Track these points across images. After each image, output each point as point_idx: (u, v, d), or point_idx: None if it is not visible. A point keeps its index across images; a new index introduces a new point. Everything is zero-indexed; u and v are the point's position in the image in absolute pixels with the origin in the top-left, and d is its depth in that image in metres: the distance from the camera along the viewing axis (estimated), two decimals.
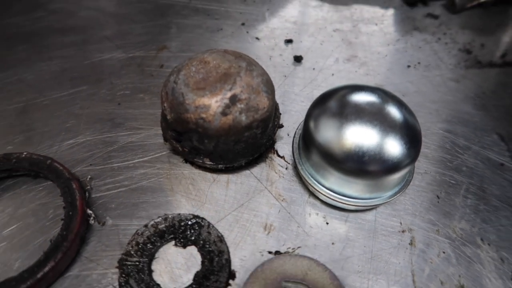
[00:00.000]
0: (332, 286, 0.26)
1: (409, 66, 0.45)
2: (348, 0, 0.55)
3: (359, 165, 0.26)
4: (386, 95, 0.28)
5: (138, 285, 0.26)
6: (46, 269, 0.25)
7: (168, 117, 0.30)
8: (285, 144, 0.36)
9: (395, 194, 0.29)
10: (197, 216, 0.30)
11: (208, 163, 0.31)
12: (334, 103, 0.28)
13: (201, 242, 0.28)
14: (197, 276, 0.27)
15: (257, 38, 0.48)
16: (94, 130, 0.36)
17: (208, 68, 0.29)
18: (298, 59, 0.45)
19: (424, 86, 0.43)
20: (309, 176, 0.30)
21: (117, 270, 0.27)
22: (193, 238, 0.29)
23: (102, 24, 0.49)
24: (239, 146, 0.30)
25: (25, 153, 0.31)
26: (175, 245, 0.28)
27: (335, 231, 0.30)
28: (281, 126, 0.35)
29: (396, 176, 0.27)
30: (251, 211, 0.31)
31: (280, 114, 0.35)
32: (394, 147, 0.26)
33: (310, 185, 0.30)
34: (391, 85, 0.42)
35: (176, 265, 0.27)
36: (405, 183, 0.30)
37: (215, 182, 0.32)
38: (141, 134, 0.36)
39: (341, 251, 0.29)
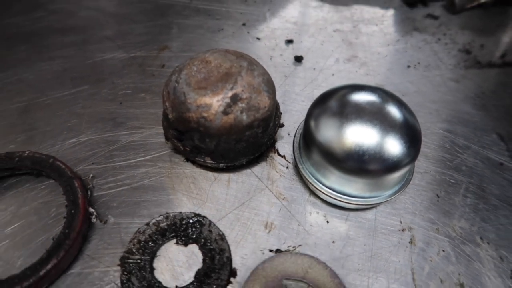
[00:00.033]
0: (332, 284, 0.26)
1: (409, 66, 0.45)
2: (348, 0, 0.55)
3: (359, 164, 0.26)
4: (386, 95, 0.28)
5: (140, 282, 0.26)
6: (49, 266, 0.25)
7: (170, 116, 0.30)
8: (285, 144, 0.36)
9: (395, 193, 0.29)
10: (199, 215, 0.30)
11: (209, 162, 0.31)
12: (334, 103, 0.29)
13: (202, 240, 0.29)
14: (198, 274, 0.27)
15: (258, 38, 0.48)
16: (96, 129, 0.36)
17: (209, 68, 0.30)
18: (298, 59, 0.45)
19: (424, 86, 0.43)
20: (310, 175, 0.30)
21: (119, 268, 0.27)
22: (194, 236, 0.29)
23: (102, 24, 0.49)
24: (240, 145, 0.30)
25: (27, 151, 0.31)
26: (177, 243, 0.29)
27: (336, 229, 0.30)
28: (282, 125, 0.35)
29: (396, 175, 0.28)
30: (252, 209, 0.31)
31: (281, 113, 0.35)
32: (394, 146, 0.26)
33: (311, 184, 0.30)
34: (391, 85, 0.42)
35: (177, 263, 0.28)
36: (405, 182, 0.30)
37: (216, 181, 0.33)
38: (142, 133, 0.36)
39: (342, 249, 0.29)
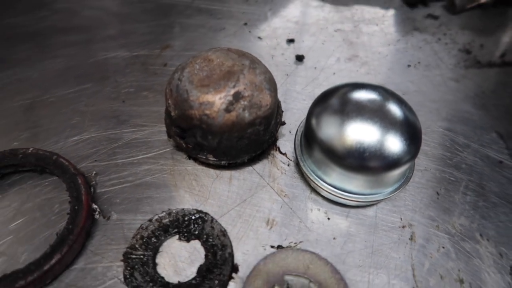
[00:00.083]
0: (333, 279, 0.27)
1: (409, 66, 0.46)
2: (349, 0, 0.56)
3: (360, 161, 0.27)
4: (386, 93, 0.29)
5: (143, 277, 0.26)
6: (53, 261, 0.26)
7: (173, 113, 0.30)
8: (287, 142, 0.36)
9: (396, 190, 0.30)
10: (201, 211, 0.30)
11: (212, 159, 0.31)
12: (335, 101, 0.29)
13: (205, 236, 0.29)
14: (200, 269, 0.27)
15: (259, 38, 0.48)
16: (99, 127, 0.36)
17: (212, 66, 0.30)
18: (300, 58, 0.45)
19: (424, 86, 0.43)
20: (311, 172, 0.31)
21: (122, 263, 0.27)
22: (196, 232, 0.29)
23: (105, 23, 0.50)
24: (242, 143, 0.30)
25: (31, 148, 0.32)
26: (179, 239, 0.29)
27: (337, 226, 0.30)
28: (283, 123, 0.35)
29: (397, 172, 0.28)
30: (254, 206, 0.31)
31: (282, 111, 0.35)
32: (394, 143, 0.26)
33: (312, 181, 0.31)
34: (391, 84, 0.43)
35: (180, 259, 0.28)
36: (405, 179, 0.31)
37: (218, 178, 0.33)
38: (145, 131, 0.36)
39: (342, 245, 0.29)
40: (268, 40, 0.48)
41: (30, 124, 0.36)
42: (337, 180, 0.29)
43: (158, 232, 0.29)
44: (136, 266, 0.27)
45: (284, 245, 0.29)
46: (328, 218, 0.31)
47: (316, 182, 0.30)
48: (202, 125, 0.29)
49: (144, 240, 0.28)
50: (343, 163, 0.27)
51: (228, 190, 0.32)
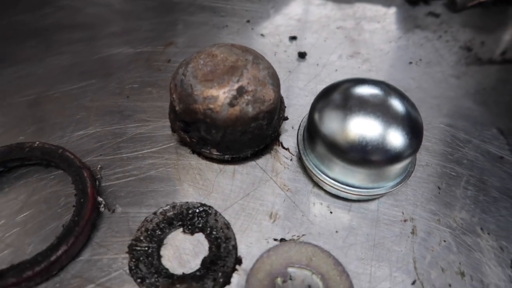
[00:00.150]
0: (336, 271, 0.27)
1: (411, 63, 0.46)
2: None
3: (362, 154, 0.27)
4: (388, 88, 0.29)
5: (148, 269, 0.27)
6: (59, 252, 0.26)
7: (177, 108, 0.31)
8: (289, 137, 0.36)
9: (397, 184, 0.30)
10: (205, 205, 0.30)
11: (215, 153, 0.32)
12: (338, 96, 0.29)
13: (208, 229, 0.29)
14: (204, 261, 0.28)
15: (262, 35, 0.49)
16: (104, 122, 0.37)
17: (215, 61, 0.30)
18: (302, 55, 0.45)
19: (425, 82, 0.43)
20: (314, 167, 0.31)
21: (127, 255, 0.28)
22: (200, 225, 0.29)
23: (109, 20, 0.50)
24: (246, 137, 0.31)
25: (37, 142, 0.32)
26: (183, 232, 0.29)
27: (339, 220, 0.31)
28: (286, 118, 0.35)
29: (398, 166, 0.28)
30: (257, 200, 0.32)
31: (285, 107, 0.35)
32: (396, 137, 0.27)
33: (315, 175, 0.31)
34: (393, 81, 0.43)
35: (184, 251, 0.28)
36: (407, 174, 0.31)
37: (222, 173, 0.33)
38: (149, 126, 0.37)
39: (345, 238, 0.29)
40: (271, 37, 0.48)
41: (36, 119, 0.37)
42: (339, 174, 0.30)
43: (163, 224, 0.29)
44: (141, 258, 0.27)
45: (287, 238, 0.29)
46: (331, 212, 0.31)
47: (318, 176, 0.31)
48: (206, 119, 0.29)
49: (149, 232, 0.29)
50: (346, 157, 0.28)
51: (231, 184, 0.32)
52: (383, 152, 0.27)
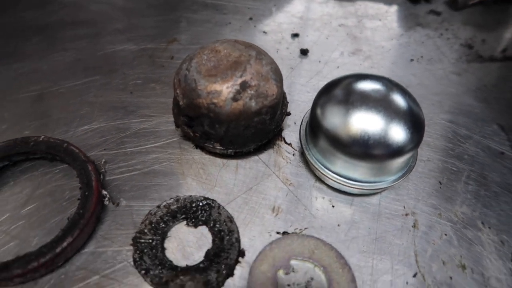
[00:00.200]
0: (338, 264, 0.27)
1: (412, 60, 0.46)
2: None
3: (364, 148, 0.27)
4: (390, 83, 0.29)
5: (152, 261, 0.27)
6: (65, 244, 0.26)
7: (181, 103, 0.31)
8: (292, 132, 0.37)
9: (399, 178, 0.30)
10: (208, 198, 0.31)
11: (219, 148, 0.32)
12: (340, 91, 0.29)
13: (212, 222, 0.29)
14: (208, 253, 0.28)
15: (264, 32, 0.49)
16: (108, 117, 0.37)
17: (219, 57, 0.31)
18: (304, 52, 0.46)
19: (427, 79, 0.44)
20: (316, 161, 0.31)
21: (131, 247, 0.28)
22: (204, 218, 0.30)
23: (112, 17, 0.50)
24: (249, 131, 0.31)
25: (42, 136, 0.32)
26: (187, 224, 0.30)
27: (341, 213, 0.31)
28: (289, 113, 0.36)
29: (400, 160, 0.28)
30: (260, 194, 0.32)
31: (288, 102, 0.36)
32: (398, 132, 0.27)
33: (317, 169, 0.31)
34: (394, 77, 0.42)
35: (188, 244, 0.29)
36: (408, 168, 0.31)
37: (225, 167, 0.34)
38: (153, 121, 0.37)
39: (347, 232, 0.30)
40: (273, 34, 0.49)
41: (40, 114, 0.37)
42: (341, 168, 0.30)
43: (167, 217, 0.30)
44: (145, 250, 0.28)
45: (289, 231, 0.30)
46: (333, 206, 0.31)
47: (321, 171, 0.31)
48: (210, 114, 0.30)
49: (153, 225, 0.29)
50: (348, 151, 0.28)
51: (234, 179, 0.33)
52: (385, 146, 0.27)
